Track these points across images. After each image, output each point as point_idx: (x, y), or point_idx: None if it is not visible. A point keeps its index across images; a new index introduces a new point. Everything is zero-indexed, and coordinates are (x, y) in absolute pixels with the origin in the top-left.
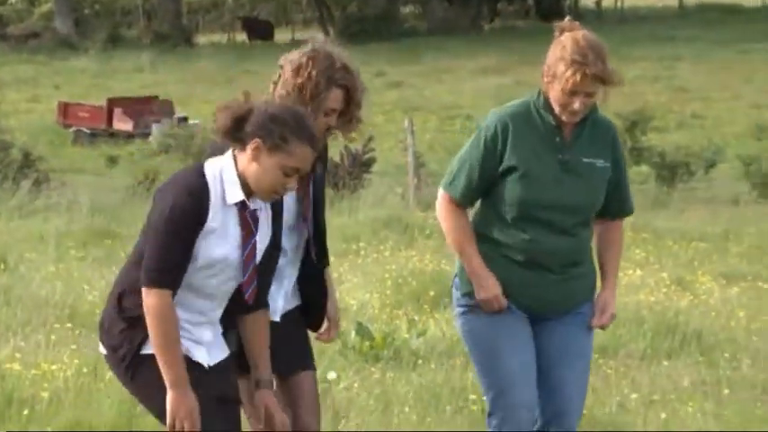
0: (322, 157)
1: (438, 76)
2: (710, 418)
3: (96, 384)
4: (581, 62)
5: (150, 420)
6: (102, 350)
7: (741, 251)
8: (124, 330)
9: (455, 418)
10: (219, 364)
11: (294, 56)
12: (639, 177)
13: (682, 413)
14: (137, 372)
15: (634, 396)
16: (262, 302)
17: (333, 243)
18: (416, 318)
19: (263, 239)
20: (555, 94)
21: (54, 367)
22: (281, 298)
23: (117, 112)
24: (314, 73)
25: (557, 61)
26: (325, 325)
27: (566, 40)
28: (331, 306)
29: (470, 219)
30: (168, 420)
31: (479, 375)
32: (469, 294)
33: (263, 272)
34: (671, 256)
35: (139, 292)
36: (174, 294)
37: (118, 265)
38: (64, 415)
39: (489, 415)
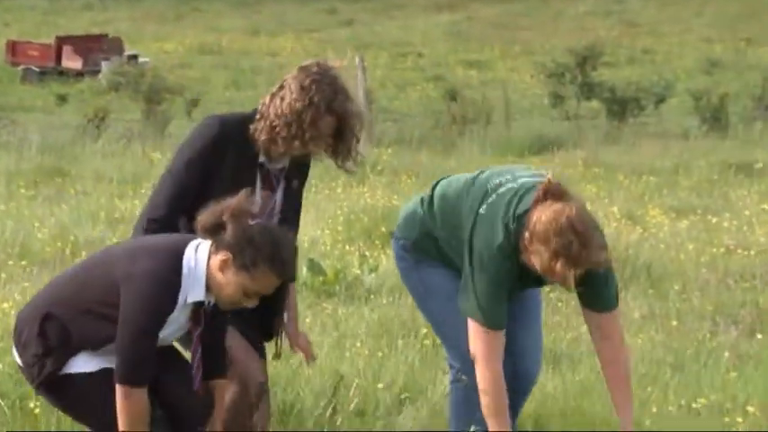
0: (301, 170)
1: (389, 13)
2: (660, 348)
3: None
4: (574, 260)
5: None
6: (17, 360)
7: (691, 185)
8: (39, 356)
9: (407, 352)
10: None
11: (300, 76)
12: (590, 113)
13: (632, 344)
14: (56, 394)
15: (585, 328)
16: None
17: None
18: (368, 254)
19: None
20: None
21: (5, 305)
22: None
23: (66, 50)
24: (316, 99)
25: (545, 243)
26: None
27: (557, 222)
28: (291, 324)
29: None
30: None
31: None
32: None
33: None
34: (621, 190)
35: (67, 322)
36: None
37: (68, 202)
38: None
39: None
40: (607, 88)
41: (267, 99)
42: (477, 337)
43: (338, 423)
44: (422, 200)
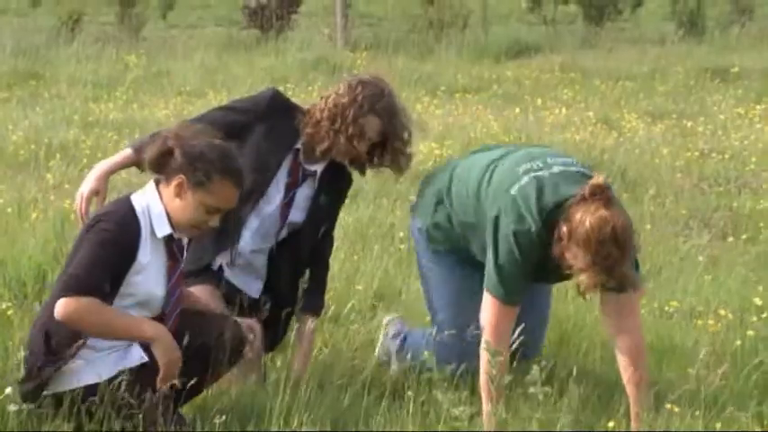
0: (334, 188)
1: None
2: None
3: (21, 224)
4: (608, 272)
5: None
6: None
7: (667, 90)
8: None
9: (382, 257)
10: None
11: (350, 78)
12: (567, 17)
13: None
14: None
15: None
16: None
17: (262, 85)
18: None
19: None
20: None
21: None
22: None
23: None
24: (360, 96)
25: (585, 247)
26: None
27: (602, 231)
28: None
29: None
30: (163, 373)
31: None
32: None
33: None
34: (598, 95)
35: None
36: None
37: (42, 106)
38: None
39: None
40: None
41: (321, 102)
42: (490, 309)
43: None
44: (441, 188)
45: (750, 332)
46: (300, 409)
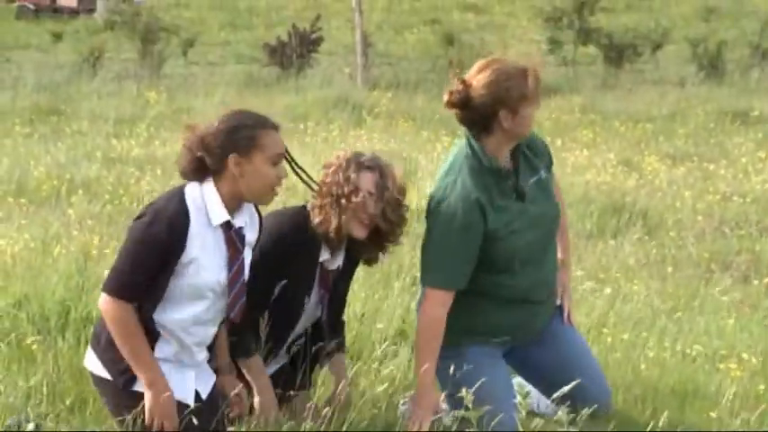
0: (347, 273)
1: None
2: (655, 294)
3: (45, 259)
4: (532, 67)
5: (99, 292)
6: (90, 363)
7: (687, 132)
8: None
9: (403, 294)
10: (210, 395)
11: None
12: (587, 59)
13: (627, 290)
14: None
15: (580, 273)
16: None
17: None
18: None
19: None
20: (528, 118)
21: (2, 242)
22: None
23: None
24: (345, 161)
25: (518, 85)
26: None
27: (498, 71)
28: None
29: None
30: (147, 419)
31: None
32: (452, 345)
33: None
34: (618, 136)
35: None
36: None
37: (64, 141)
38: (12, 290)
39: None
40: (604, 34)
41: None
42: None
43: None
44: None
45: None
46: None
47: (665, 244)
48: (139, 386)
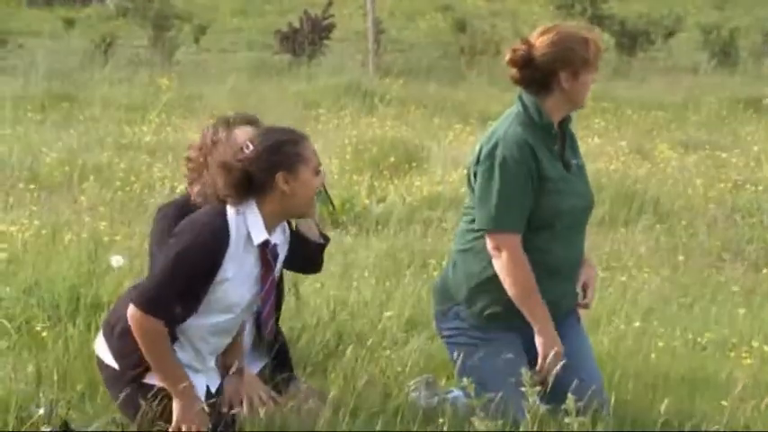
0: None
1: None
2: (666, 282)
3: (55, 246)
4: (594, 37)
5: (109, 279)
6: (100, 351)
7: (700, 120)
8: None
9: (414, 281)
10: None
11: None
12: None
13: (638, 278)
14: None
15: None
16: None
17: (292, 110)
18: (376, 184)
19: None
20: (586, 85)
21: (13, 228)
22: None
23: None
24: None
25: (580, 49)
26: None
27: (562, 33)
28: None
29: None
30: (173, 427)
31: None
32: (480, 327)
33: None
34: (630, 124)
35: None
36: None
37: (76, 127)
38: (23, 275)
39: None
40: (617, 21)
41: None
42: (501, 242)
43: (345, 352)
44: None
45: None
46: None
47: (676, 232)
48: (150, 379)
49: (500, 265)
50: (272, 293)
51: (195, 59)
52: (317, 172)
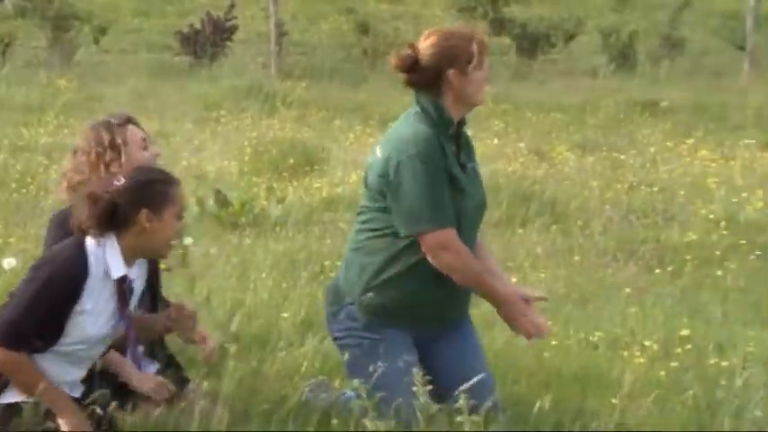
0: None
1: None
2: (562, 283)
3: None
4: (477, 33)
5: (1, 280)
6: None
7: (597, 122)
8: None
9: (311, 283)
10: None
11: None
12: (500, 48)
13: (535, 279)
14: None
15: None
16: None
17: (192, 111)
18: (275, 185)
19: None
20: (477, 82)
21: None
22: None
23: None
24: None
25: (464, 47)
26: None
27: (445, 32)
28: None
29: (373, 243)
30: None
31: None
32: (372, 327)
33: None
34: (529, 126)
35: None
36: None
37: None
38: None
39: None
40: (518, 24)
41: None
42: (437, 239)
43: (240, 353)
44: None
45: (674, 363)
46: None
47: (572, 233)
48: (8, 397)
49: (444, 263)
50: (125, 328)
51: (95, 60)
52: (180, 218)
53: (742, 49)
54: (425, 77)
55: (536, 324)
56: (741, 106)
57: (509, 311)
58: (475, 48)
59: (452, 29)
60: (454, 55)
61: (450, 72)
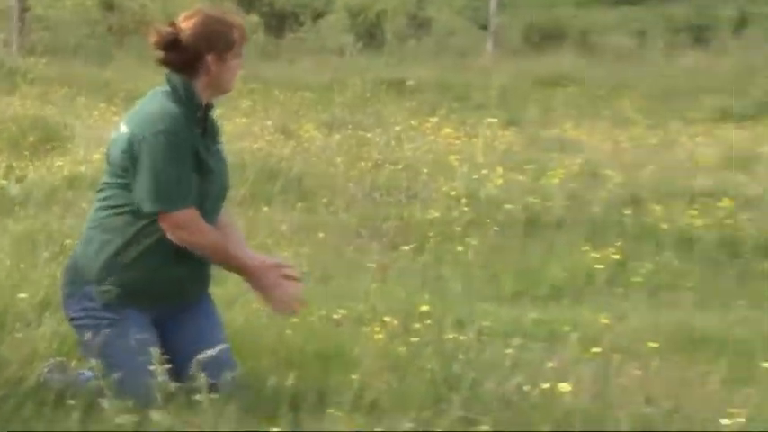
0: None
1: None
2: (306, 261)
3: None
4: (239, 22)
5: None
6: None
7: (345, 101)
8: None
9: (50, 264)
10: None
11: None
12: (249, 27)
13: (278, 256)
14: None
15: None
16: None
17: None
18: (15, 164)
19: None
20: (233, 70)
21: None
22: None
23: None
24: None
25: (227, 33)
26: None
27: (209, 16)
28: None
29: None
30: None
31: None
32: (110, 307)
33: None
34: (278, 105)
35: None
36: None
37: None
38: None
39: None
40: (266, 2)
41: None
42: (177, 220)
43: None
44: None
45: (414, 339)
46: None
47: (317, 210)
48: None
49: (187, 241)
50: None
51: None
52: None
53: (485, 28)
54: (183, 58)
55: (286, 299)
56: (484, 86)
57: (260, 282)
58: (236, 35)
59: (216, 13)
60: (216, 39)
61: (210, 57)
